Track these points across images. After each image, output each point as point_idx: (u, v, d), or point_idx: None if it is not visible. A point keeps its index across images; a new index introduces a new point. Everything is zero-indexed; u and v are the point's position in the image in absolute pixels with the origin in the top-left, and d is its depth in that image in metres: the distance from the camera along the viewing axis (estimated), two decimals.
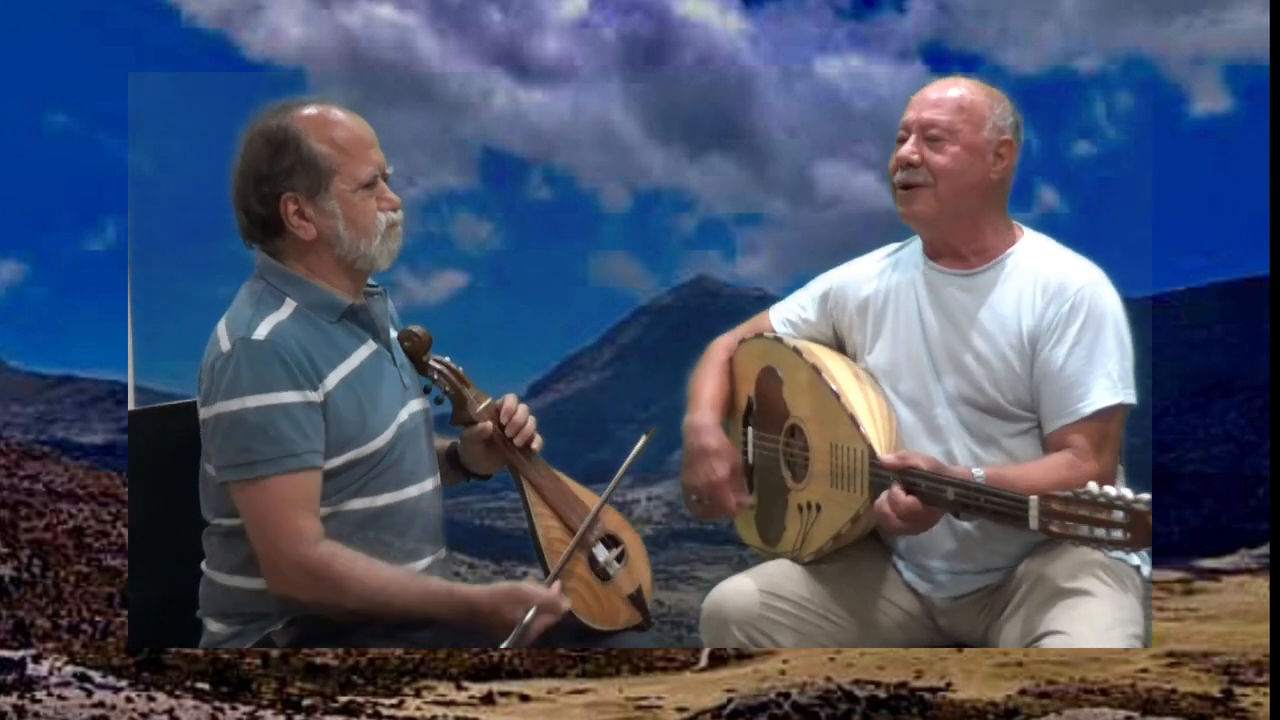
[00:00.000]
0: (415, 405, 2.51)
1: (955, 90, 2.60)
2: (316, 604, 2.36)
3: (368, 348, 2.45)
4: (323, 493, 2.38)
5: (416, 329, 2.56)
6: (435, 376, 2.57)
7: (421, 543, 2.49)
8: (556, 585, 2.44)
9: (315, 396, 2.35)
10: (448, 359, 2.59)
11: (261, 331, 2.34)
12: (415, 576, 2.40)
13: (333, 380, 2.37)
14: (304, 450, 2.33)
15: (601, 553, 2.56)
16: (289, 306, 2.39)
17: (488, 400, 2.58)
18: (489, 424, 2.56)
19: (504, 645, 2.36)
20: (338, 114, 2.41)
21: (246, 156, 2.40)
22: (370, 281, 2.51)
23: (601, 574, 2.55)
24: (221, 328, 2.38)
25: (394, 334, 2.55)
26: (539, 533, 2.53)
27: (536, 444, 2.58)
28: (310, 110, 2.41)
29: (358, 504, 2.41)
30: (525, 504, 2.55)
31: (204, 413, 2.37)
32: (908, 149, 2.59)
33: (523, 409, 2.58)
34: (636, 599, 2.58)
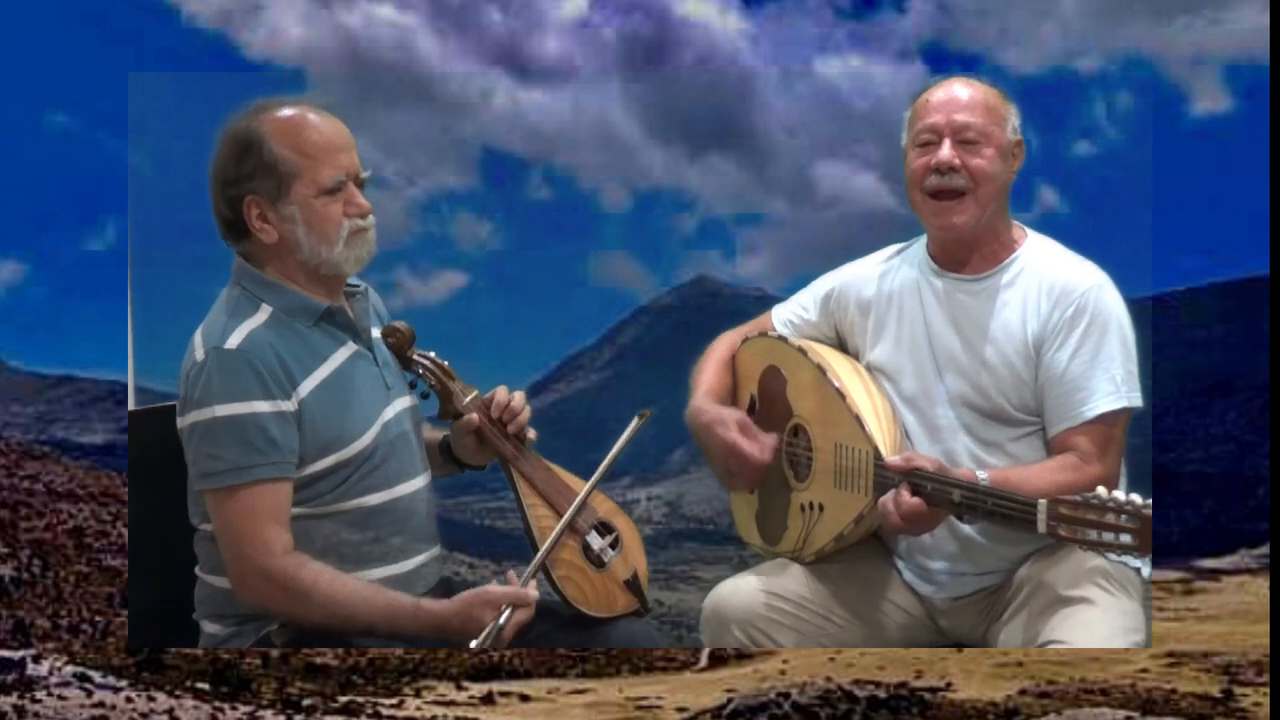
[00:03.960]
0: (401, 404, 2.50)
1: (976, 92, 2.58)
2: (283, 614, 2.37)
3: (347, 350, 2.44)
4: (310, 496, 2.38)
5: (399, 324, 2.55)
6: (420, 371, 2.57)
7: (417, 540, 2.48)
8: (531, 583, 2.42)
9: (288, 405, 2.34)
10: (432, 354, 2.58)
11: (234, 340, 2.33)
12: (380, 591, 2.37)
13: (308, 386, 2.37)
14: (273, 460, 2.32)
15: (595, 540, 2.55)
16: (265, 312, 2.39)
17: (474, 393, 2.58)
18: (474, 415, 2.55)
19: (474, 645, 2.34)
20: (309, 117, 2.38)
21: (216, 158, 2.40)
22: (352, 281, 2.49)
23: (596, 561, 2.54)
24: (198, 336, 2.38)
25: (378, 332, 2.54)
26: (531, 522, 2.53)
27: (531, 435, 2.57)
28: (281, 113, 2.38)
29: (348, 505, 2.41)
30: (516, 494, 2.54)
31: (180, 422, 2.37)
32: (948, 153, 2.54)
33: (518, 396, 2.57)
34: (633, 585, 2.57)
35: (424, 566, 2.50)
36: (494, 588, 2.39)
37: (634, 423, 2.60)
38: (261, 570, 2.32)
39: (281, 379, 2.34)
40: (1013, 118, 2.60)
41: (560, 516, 2.52)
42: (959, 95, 2.57)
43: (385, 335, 2.53)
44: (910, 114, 2.63)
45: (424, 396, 2.58)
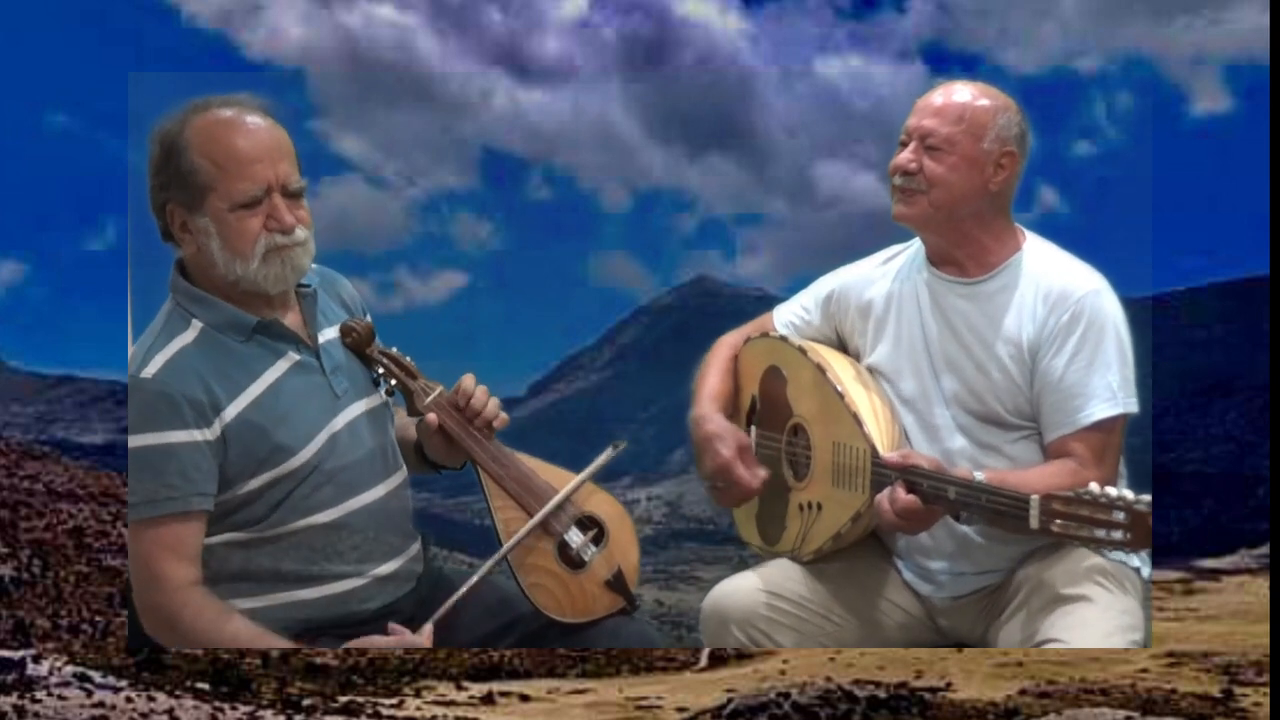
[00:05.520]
0: (355, 410, 2.40)
1: (960, 97, 2.57)
2: (179, 646, 2.32)
3: (286, 361, 2.33)
4: (250, 518, 2.31)
5: (355, 323, 2.45)
6: (381, 370, 2.46)
7: (389, 543, 2.41)
8: (427, 628, 2.32)
9: (206, 434, 2.25)
10: (394, 350, 2.47)
11: (152, 369, 2.25)
12: (262, 635, 2.28)
13: (235, 409, 2.27)
14: (182, 494, 2.24)
15: (575, 538, 2.45)
16: (195, 329, 2.29)
17: (438, 390, 2.46)
18: (433, 416, 2.44)
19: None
20: (235, 122, 2.26)
21: (149, 158, 2.30)
22: (304, 282, 2.38)
23: (574, 562, 2.44)
24: (130, 357, 2.30)
25: (345, 327, 2.44)
26: (499, 526, 2.44)
27: (499, 422, 2.45)
28: (207, 117, 2.27)
29: (297, 525, 2.32)
30: (485, 496, 2.46)
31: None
32: (906, 156, 2.58)
33: (481, 389, 2.46)
34: (616, 584, 2.47)
35: (397, 571, 2.42)
36: (379, 641, 2.32)
37: (606, 453, 2.51)
38: (150, 604, 2.28)
39: (204, 405, 2.25)
40: (1001, 128, 2.56)
41: (530, 515, 2.42)
42: (935, 101, 2.59)
43: (342, 335, 2.43)
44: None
45: (389, 394, 2.48)
